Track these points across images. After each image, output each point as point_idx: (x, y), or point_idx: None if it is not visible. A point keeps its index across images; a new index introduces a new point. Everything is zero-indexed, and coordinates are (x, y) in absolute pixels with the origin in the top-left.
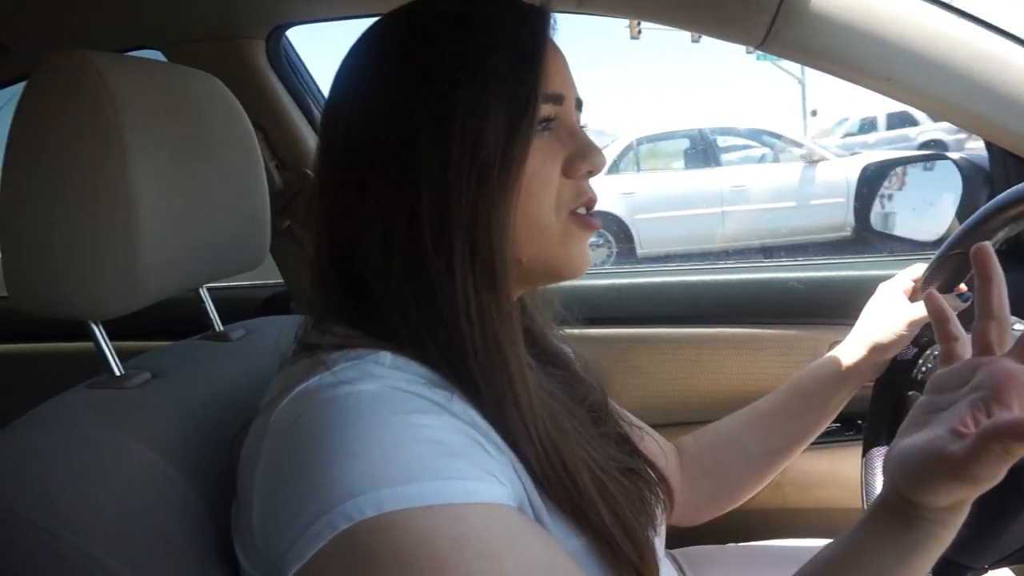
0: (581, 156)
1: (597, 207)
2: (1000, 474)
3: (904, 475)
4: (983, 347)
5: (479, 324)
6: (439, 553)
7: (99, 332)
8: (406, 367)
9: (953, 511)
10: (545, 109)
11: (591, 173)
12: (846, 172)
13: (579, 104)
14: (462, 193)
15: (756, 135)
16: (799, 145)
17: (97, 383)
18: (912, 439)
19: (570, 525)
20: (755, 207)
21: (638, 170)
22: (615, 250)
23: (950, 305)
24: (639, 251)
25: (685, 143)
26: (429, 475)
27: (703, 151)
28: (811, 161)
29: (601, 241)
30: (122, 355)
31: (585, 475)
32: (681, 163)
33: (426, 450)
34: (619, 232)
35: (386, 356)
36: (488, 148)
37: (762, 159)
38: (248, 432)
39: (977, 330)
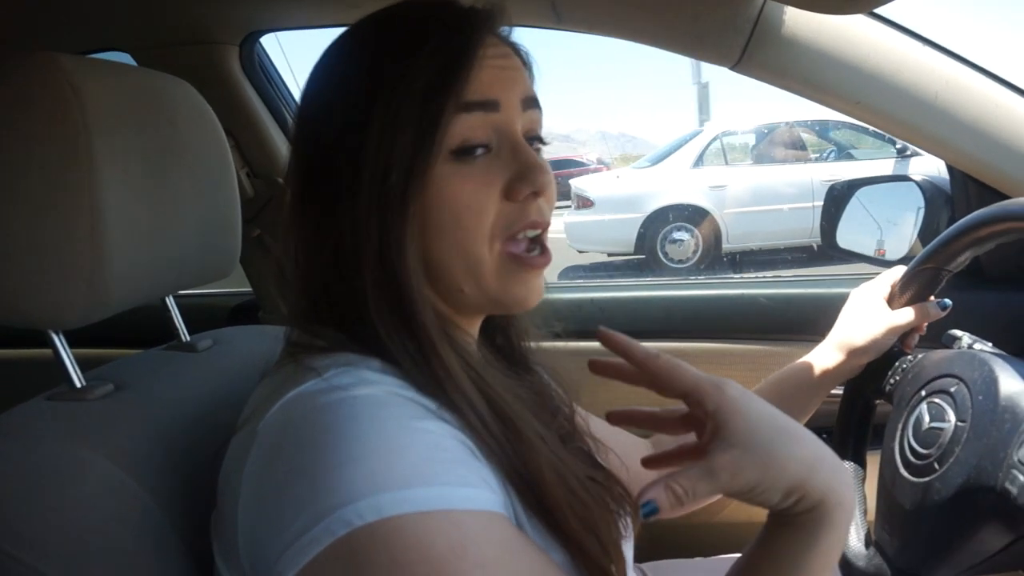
0: (521, 177)
1: (684, 200)
2: (704, 477)
3: None
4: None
5: (426, 339)
6: (438, 560)
7: (60, 342)
8: (395, 374)
9: (801, 503)
10: (473, 120)
11: (536, 195)
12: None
13: (531, 103)
14: (370, 224)
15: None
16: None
17: (57, 394)
18: None
19: (550, 537)
20: None
21: (725, 163)
22: (701, 246)
23: (930, 312)
24: (725, 246)
25: (773, 137)
26: (429, 480)
27: (791, 144)
28: (904, 156)
29: (688, 236)
30: (83, 363)
31: (562, 496)
32: (768, 157)
33: (425, 455)
34: (706, 226)
35: (375, 362)
36: (392, 175)
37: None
38: (230, 443)
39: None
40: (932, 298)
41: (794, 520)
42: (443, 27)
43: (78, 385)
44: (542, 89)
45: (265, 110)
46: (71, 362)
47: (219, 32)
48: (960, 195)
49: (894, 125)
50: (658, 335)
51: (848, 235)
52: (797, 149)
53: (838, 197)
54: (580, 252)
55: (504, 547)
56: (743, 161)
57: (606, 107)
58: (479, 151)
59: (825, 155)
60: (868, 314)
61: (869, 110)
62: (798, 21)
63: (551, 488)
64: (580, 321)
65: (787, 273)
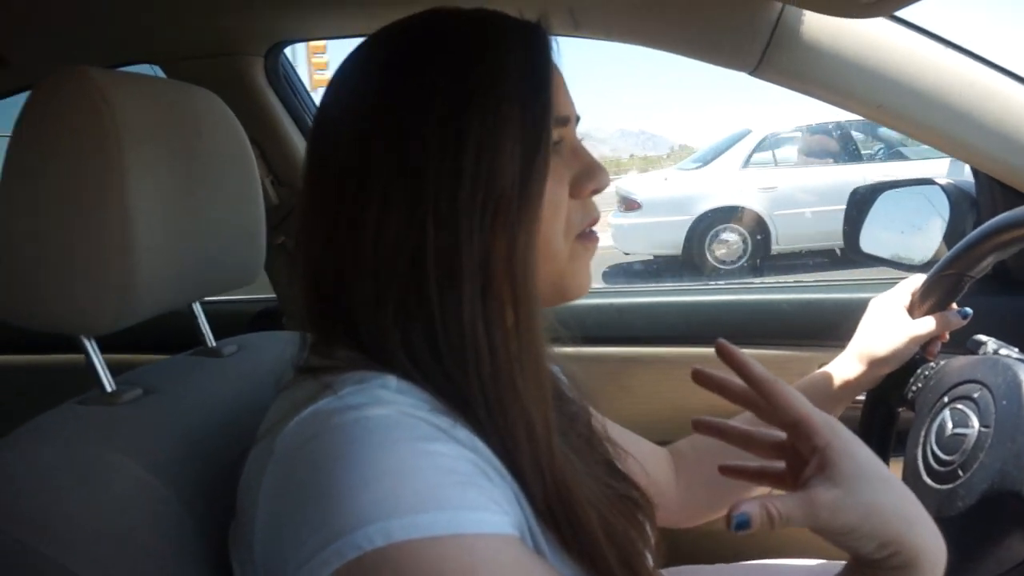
0: (587, 176)
1: (733, 201)
2: (802, 508)
3: None
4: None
5: (490, 363)
6: None
7: (91, 347)
8: (410, 392)
9: (895, 558)
10: (555, 133)
11: (596, 191)
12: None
13: (577, 121)
14: (473, 229)
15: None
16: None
17: (88, 399)
18: None
19: (569, 557)
20: None
21: (775, 164)
22: (750, 246)
23: (951, 321)
24: (774, 247)
25: (822, 137)
26: (440, 505)
27: (842, 146)
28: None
29: (734, 237)
30: (113, 368)
31: (591, 514)
32: (817, 157)
33: (436, 479)
34: (756, 228)
35: (391, 380)
36: (503, 178)
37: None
38: (250, 454)
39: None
40: (954, 305)
41: (881, 567)
42: (522, 40)
43: (109, 390)
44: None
45: (289, 119)
46: (102, 367)
47: (245, 43)
48: (986, 199)
49: (916, 129)
50: (677, 340)
51: (871, 239)
52: (847, 148)
53: (860, 201)
54: (626, 254)
55: (516, 570)
56: (792, 162)
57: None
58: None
59: (875, 154)
60: (889, 324)
61: (891, 114)
62: (817, 25)
63: (587, 520)
64: (598, 326)
65: (836, 275)
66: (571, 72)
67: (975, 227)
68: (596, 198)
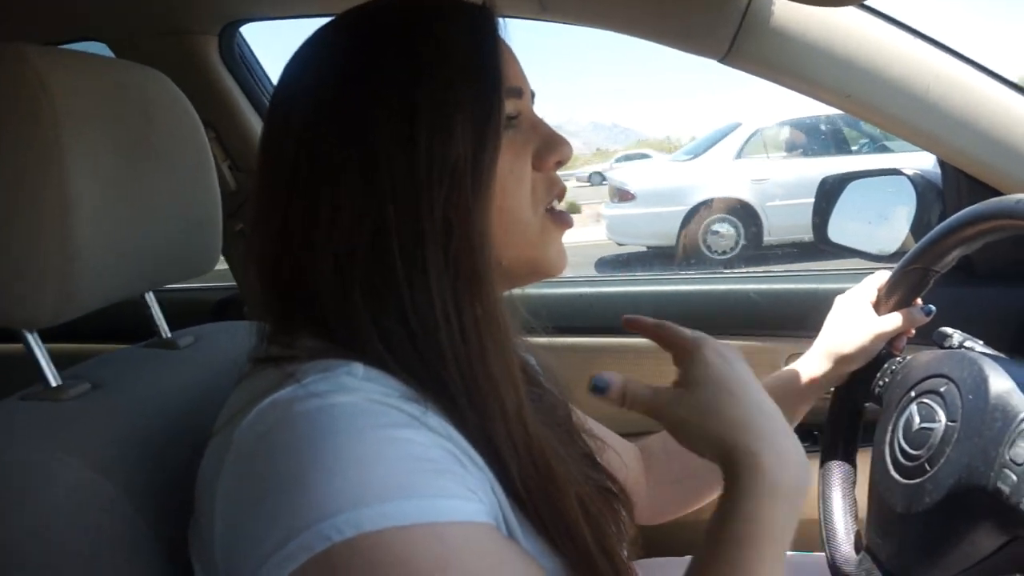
0: (548, 148)
1: (726, 192)
2: (650, 393)
3: None
4: None
5: (460, 335)
6: (420, 574)
7: (33, 340)
8: (379, 379)
9: (737, 459)
10: (508, 105)
11: (560, 163)
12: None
13: (533, 96)
14: (433, 200)
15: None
16: None
17: (31, 394)
18: None
19: (545, 544)
20: None
21: (767, 157)
22: (743, 238)
23: (916, 318)
24: (766, 239)
25: (811, 130)
26: (409, 493)
27: (831, 138)
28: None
29: (727, 228)
30: (59, 359)
31: (571, 495)
32: (807, 150)
33: (406, 466)
34: (748, 219)
35: (358, 368)
36: (457, 150)
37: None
38: (207, 449)
39: None
40: (919, 301)
41: (727, 476)
42: (470, 19)
43: (53, 384)
44: (534, 76)
45: (247, 102)
46: (46, 361)
47: (196, 22)
48: (951, 190)
49: (884, 119)
50: None
51: (839, 229)
52: (837, 141)
53: (829, 191)
54: (620, 245)
55: (490, 558)
56: (783, 154)
57: (598, 97)
58: (506, 123)
59: (861, 148)
60: (854, 321)
61: (859, 104)
62: (787, 13)
63: (567, 499)
64: (569, 316)
65: (828, 266)
66: (550, 63)
67: (941, 218)
68: (591, 190)
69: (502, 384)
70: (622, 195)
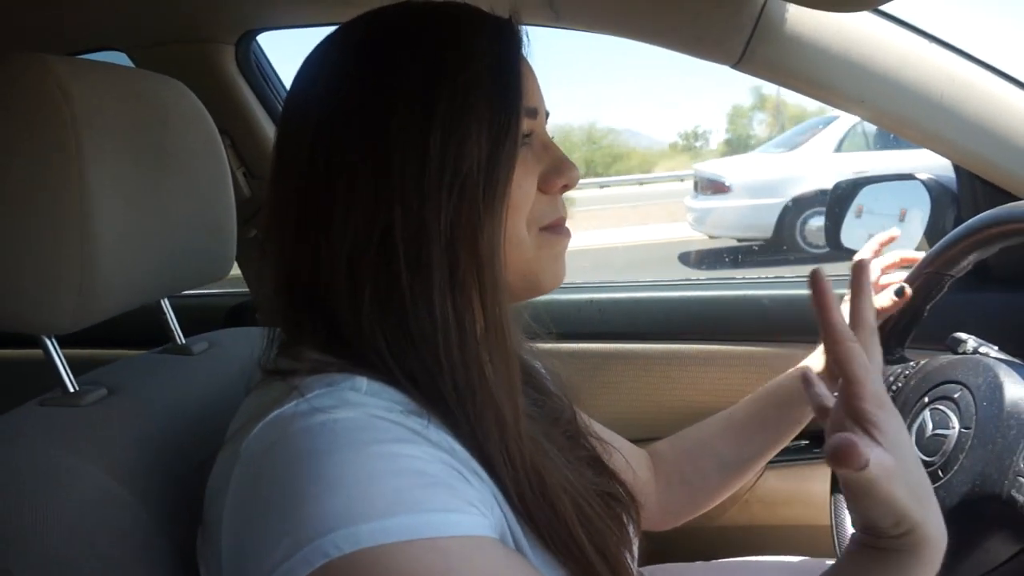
0: (556, 171)
1: (828, 185)
2: (859, 493)
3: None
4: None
5: (458, 347)
6: None
7: (52, 346)
8: (382, 393)
9: (908, 536)
10: (524, 124)
11: (566, 188)
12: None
13: (547, 117)
14: (440, 207)
15: None
16: None
17: (49, 400)
18: None
19: (551, 555)
20: None
21: (868, 148)
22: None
23: (889, 301)
24: None
25: None
26: (410, 508)
27: None
28: None
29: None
30: (76, 365)
31: (566, 502)
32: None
33: (407, 482)
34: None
35: (362, 382)
36: (469, 161)
37: None
38: (216, 459)
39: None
40: (894, 283)
41: (890, 545)
42: (493, 30)
43: (71, 390)
44: (545, 78)
45: (262, 110)
46: (63, 366)
47: (214, 31)
48: (967, 195)
49: (898, 124)
50: (658, 337)
51: (852, 234)
52: None
53: (842, 196)
54: (711, 238)
55: (491, 572)
56: (881, 147)
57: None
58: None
59: None
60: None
61: (873, 109)
62: (800, 19)
63: (562, 508)
64: (579, 322)
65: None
66: (550, 66)
67: (955, 223)
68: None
69: (500, 396)
70: (716, 187)
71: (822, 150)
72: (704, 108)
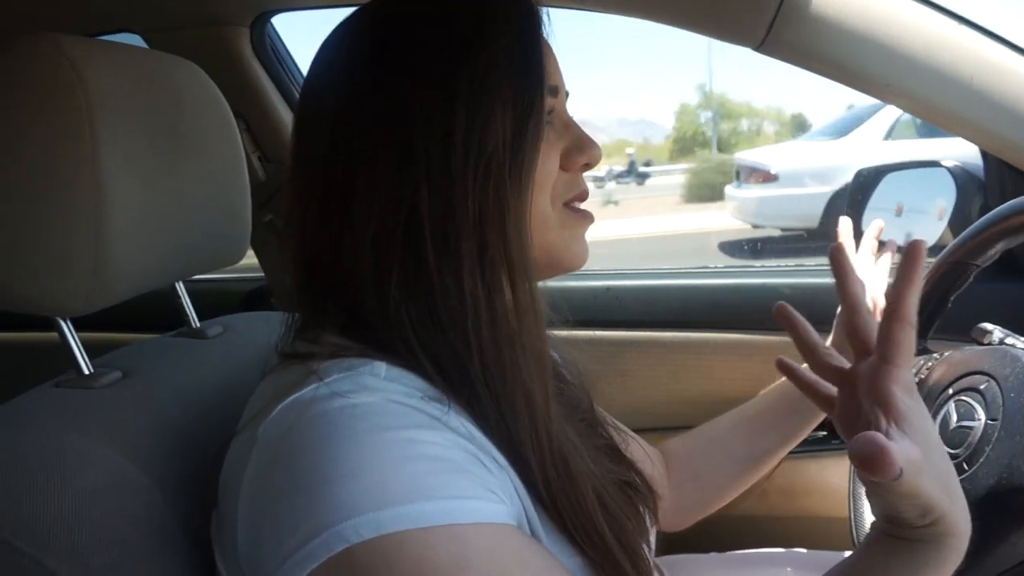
0: (579, 149)
1: None
2: (884, 487)
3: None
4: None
5: (489, 328)
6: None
7: (67, 328)
8: (401, 378)
9: (934, 527)
10: (547, 102)
11: (588, 166)
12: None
13: (567, 96)
14: (467, 188)
15: None
16: None
17: (64, 382)
18: None
19: (568, 543)
20: None
21: (918, 136)
22: None
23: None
24: None
25: None
26: (429, 494)
27: None
28: None
29: None
30: (91, 348)
31: (589, 490)
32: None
33: (426, 468)
34: None
35: (381, 367)
36: (494, 141)
37: None
38: (232, 443)
39: (883, 330)
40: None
41: (914, 535)
42: (513, 10)
43: (86, 372)
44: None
45: (277, 92)
46: (79, 349)
47: (229, 13)
48: (994, 182)
49: (926, 109)
50: (675, 325)
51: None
52: None
53: (865, 183)
54: (755, 227)
55: (510, 559)
56: (930, 134)
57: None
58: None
59: None
60: None
61: (900, 93)
62: (825, 0)
63: (588, 501)
64: (594, 309)
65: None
66: (578, 56)
67: (982, 211)
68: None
69: (532, 376)
70: (761, 176)
71: (871, 138)
72: (652, 103)
